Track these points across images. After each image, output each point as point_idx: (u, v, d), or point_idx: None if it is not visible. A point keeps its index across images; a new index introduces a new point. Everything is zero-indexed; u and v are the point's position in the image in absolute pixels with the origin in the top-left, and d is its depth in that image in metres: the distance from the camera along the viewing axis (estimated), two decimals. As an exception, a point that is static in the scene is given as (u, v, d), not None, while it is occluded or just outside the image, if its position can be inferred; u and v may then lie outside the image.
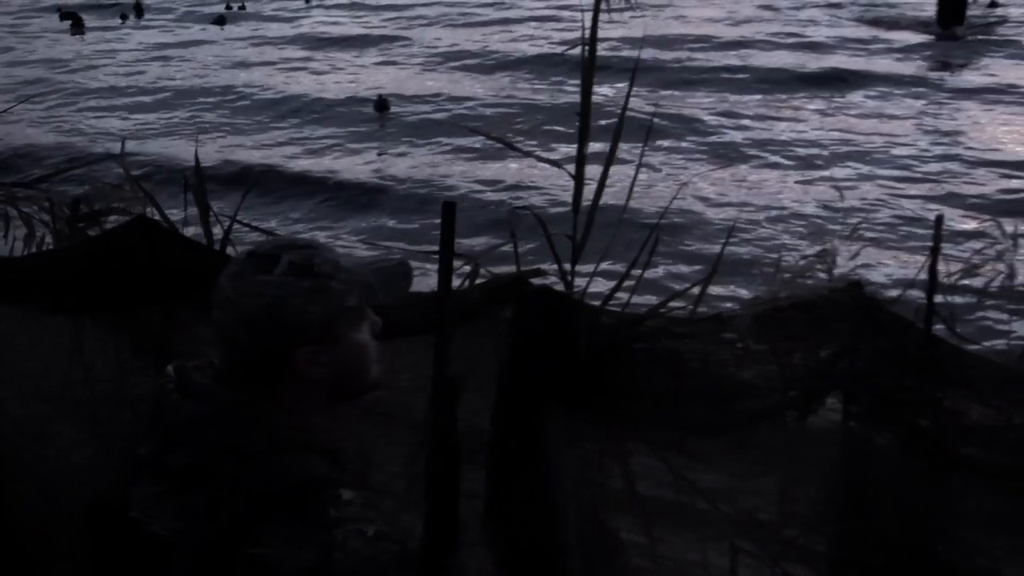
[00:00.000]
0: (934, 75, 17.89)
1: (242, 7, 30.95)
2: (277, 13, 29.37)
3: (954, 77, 17.71)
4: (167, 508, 1.75)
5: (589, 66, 2.86)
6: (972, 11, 22.92)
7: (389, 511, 2.13)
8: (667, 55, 18.74)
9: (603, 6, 2.83)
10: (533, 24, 23.87)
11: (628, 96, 2.95)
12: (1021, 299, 2.84)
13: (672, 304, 2.98)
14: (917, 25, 23.17)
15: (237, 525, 1.68)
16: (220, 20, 27.37)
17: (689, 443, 2.88)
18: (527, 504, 2.88)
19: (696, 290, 3.04)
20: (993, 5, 28.35)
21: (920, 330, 2.51)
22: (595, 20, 2.85)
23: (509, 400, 2.84)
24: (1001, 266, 2.53)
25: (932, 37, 21.56)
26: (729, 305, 2.73)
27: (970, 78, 17.36)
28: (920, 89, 16.57)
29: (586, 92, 2.87)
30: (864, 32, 22.41)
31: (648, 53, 17.37)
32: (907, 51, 20.03)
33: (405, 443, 3.01)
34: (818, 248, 2.75)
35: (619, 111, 2.96)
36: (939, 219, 2.58)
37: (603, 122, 3.34)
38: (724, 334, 2.67)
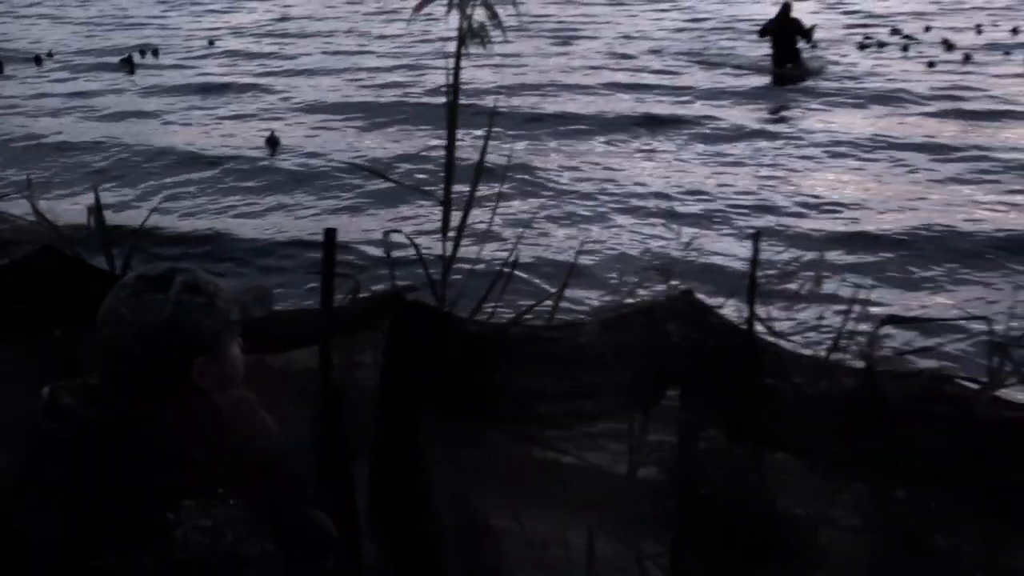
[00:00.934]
0: (767, 116, 17.89)
1: (155, 52, 30.11)
2: (181, 62, 28.73)
3: (785, 119, 17.74)
4: (36, 522, 1.73)
5: (452, 110, 2.85)
6: (804, 54, 23.20)
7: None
8: (524, 100, 18.82)
9: (464, 50, 2.81)
10: (412, 71, 23.72)
11: (487, 140, 2.94)
12: (825, 301, 2.88)
13: (531, 313, 2.98)
14: (754, 68, 23.38)
15: (84, 540, 1.66)
16: (128, 65, 26.06)
17: (548, 435, 2.90)
18: (406, 492, 2.86)
19: (552, 302, 3.05)
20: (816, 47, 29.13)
21: (743, 331, 2.56)
22: (457, 69, 2.83)
23: (388, 402, 2.82)
24: (810, 275, 2.60)
25: (768, 80, 21.72)
26: (581, 314, 2.72)
27: (800, 121, 17.39)
28: (754, 129, 16.61)
29: (451, 133, 2.86)
30: (703, 77, 22.32)
31: (510, 100, 17.48)
32: (743, 95, 19.85)
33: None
34: (656, 264, 2.79)
35: (479, 154, 2.97)
36: (756, 234, 2.65)
37: (468, 160, 3.31)
38: (577, 338, 2.69)
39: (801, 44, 22.35)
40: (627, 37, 31.65)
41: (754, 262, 2.53)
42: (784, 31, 21.69)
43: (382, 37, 29.85)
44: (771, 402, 2.54)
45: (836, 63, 23.82)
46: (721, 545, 2.65)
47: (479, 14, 2.64)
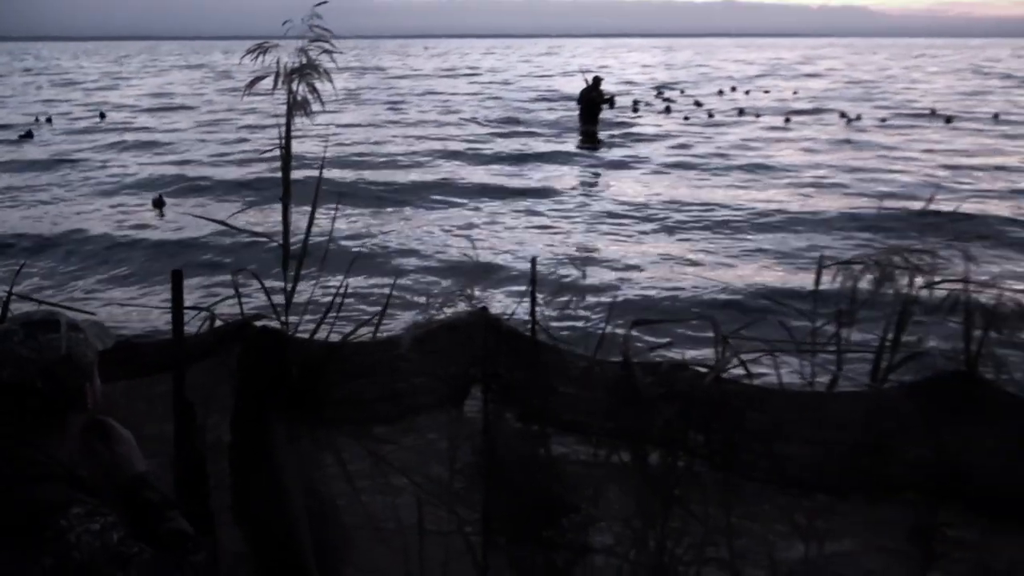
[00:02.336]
0: (577, 173, 17.81)
1: (48, 119, 28.31)
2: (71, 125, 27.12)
3: (590, 173, 17.78)
4: None
5: (286, 167, 2.81)
6: (608, 114, 23.76)
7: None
8: (359, 161, 18.59)
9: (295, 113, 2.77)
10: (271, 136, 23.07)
11: (317, 190, 2.91)
12: (593, 309, 2.97)
13: (359, 332, 2.96)
14: (560, 129, 23.72)
15: None
16: (28, 136, 24.43)
17: (378, 431, 2.89)
18: (262, 489, 2.79)
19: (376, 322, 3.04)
20: (635, 108, 29.81)
21: (527, 336, 2.62)
22: (288, 135, 2.80)
23: (242, 414, 2.75)
24: (575, 287, 2.67)
25: (578, 138, 22.05)
26: (400, 329, 2.72)
27: (604, 177, 17.42)
28: (563, 182, 16.53)
29: (286, 186, 2.82)
30: (514, 140, 22.35)
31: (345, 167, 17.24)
32: (554, 155, 19.78)
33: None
34: (461, 287, 2.82)
35: (311, 206, 2.95)
36: (534, 260, 2.70)
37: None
38: (397, 349, 2.69)
39: (605, 110, 23.18)
40: (448, 108, 31.79)
41: (533, 282, 2.60)
42: (592, 99, 22.38)
43: (250, 110, 29.14)
44: (553, 391, 2.60)
45: (626, 123, 24.72)
46: (520, 505, 2.70)
47: (302, 89, 2.62)
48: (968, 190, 14.84)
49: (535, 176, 17.06)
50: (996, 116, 27.37)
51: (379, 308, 2.95)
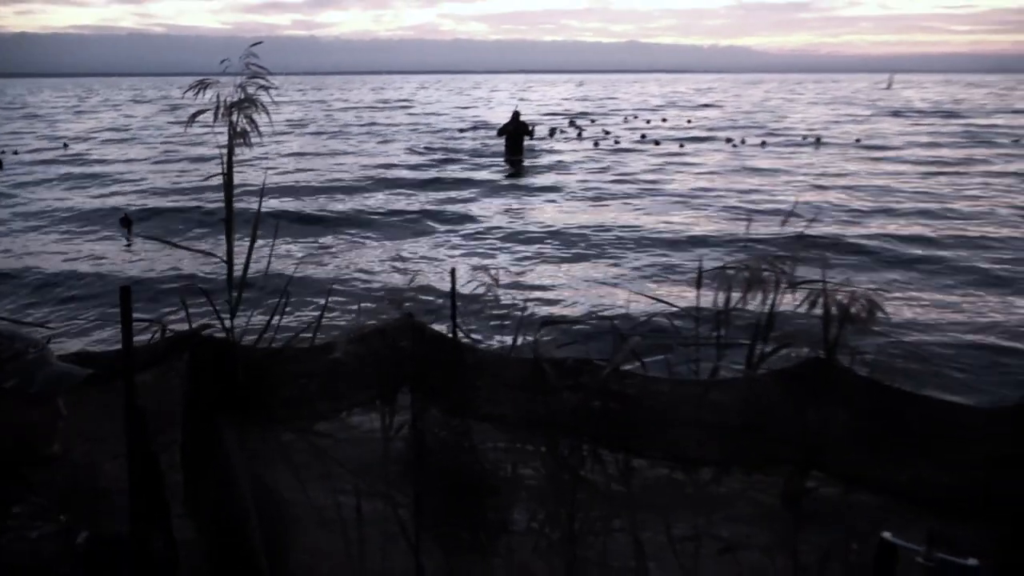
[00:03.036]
0: (501, 202, 17.50)
1: (15, 152, 27.06)
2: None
3: (513, 201, 17.54)
4: None
5: (228, 192, 2.77)
6: (527, 142, 23.67)
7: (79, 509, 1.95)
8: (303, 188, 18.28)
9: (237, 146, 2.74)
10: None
11: (258, 214, 2.88)
12: (507, 316, 3.00)
13: (298, 339, 2.94)
14: (487, 157, 23.58)
15: None
16: None
17: (319, 427, 2.86)
18: (211, 483, 2.75)
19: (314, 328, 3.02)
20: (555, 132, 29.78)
21: (450, 339, 2.64)
22: (230, 162, 2.77)
23: (191, 415, 2.70)
24: (492, 297, 2.69)
25: (503, 167, 21.91)
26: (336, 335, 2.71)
27: (524, 201, 17.27)
28: (487, 206, 16.42)
29: (229, 210, 2.78)
30: (444, 168, 22.10)
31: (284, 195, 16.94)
32: (478, 183, 19.63)
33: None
34: (390, 298, 2.82)
35: (252, 227, 2.91)
36: (453, 271, 2.72)
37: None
38: (333, 353, 2.68)
39: (527, 140, 23.12)
40: (384, 137, 31.49)
41: (453, 291, 2.62)
42: (515, 131, 22.30)
43: (200, 142, 28.40)
44: (473, 386, 2.63)
45: (544, 150, 24.78)
46: (447, 489, 2.71)
47: (242, 121, 2.60)
48: (829, 205, 15.37)
49: (462, 201, 17.03)
50: (858, 140, 28.48)
51: (316, 317, 2.93)
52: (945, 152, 25.36)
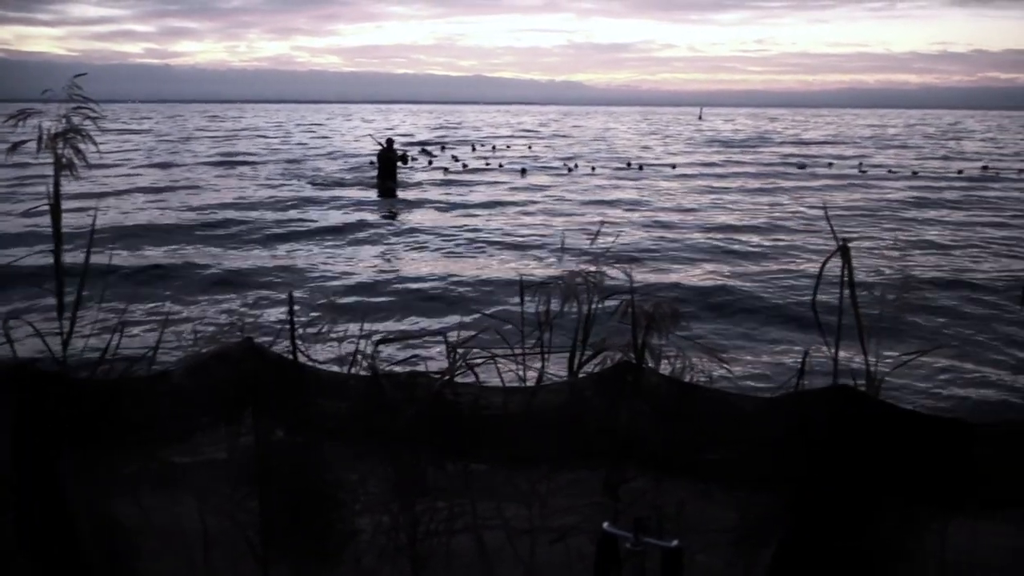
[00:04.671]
0: (374, 219, 17.17)
1: None
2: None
3: (389, 222, 17.14)
4: None
5: (55, 218, 2.54)
6: (403, 170, 22.98)
7: None
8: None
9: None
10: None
11: (90, 241, 2.65)
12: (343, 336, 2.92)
13: (138, 365, 2.73)
14: (366, 185, 22.70)
15: None
16: None
17: (163, 453, 2.67)
18: (50, 518, 2.49)
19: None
20: (426, 154, 29.10)
21: (291, 360, 2.54)
22: (56, 188, 2.54)
23: (28, 448, 2.45)
24: (330, 318, 2.61)
25: (376, 194, 21.11)
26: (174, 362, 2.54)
27: (401, 220, 16.93)
28: (364, 232, 15.95)
29: (57, 240, 2.55)
30: (322, 194, 21.18)
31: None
32: (354, 206, 18.93)
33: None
34: (231, 323, 2.68)
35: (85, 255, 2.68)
36: (290, 294, 2.62)
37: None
38: (172, 380, 2.51)
39: (400, 167, 22.51)
40: (243, 162, 30.12)
41: (291, 313, 2.52)
42: (388, 159, 21.68)
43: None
44: (315, 403, 2.54)
45: (406, 179, 24.28)
46: (292, 503, 2.60)
47: (67, 152, 2.39)
48: (644, 220, 16.17)
49: (317, 227, 16.26)
50: (674, 166, 30.20)
51: (154, 343, 2.74)
52: (748, 168, 27.37)
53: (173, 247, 13.71)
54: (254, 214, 17.93)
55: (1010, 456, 2.34)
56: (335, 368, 2.58)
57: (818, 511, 2.40)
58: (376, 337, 2.65)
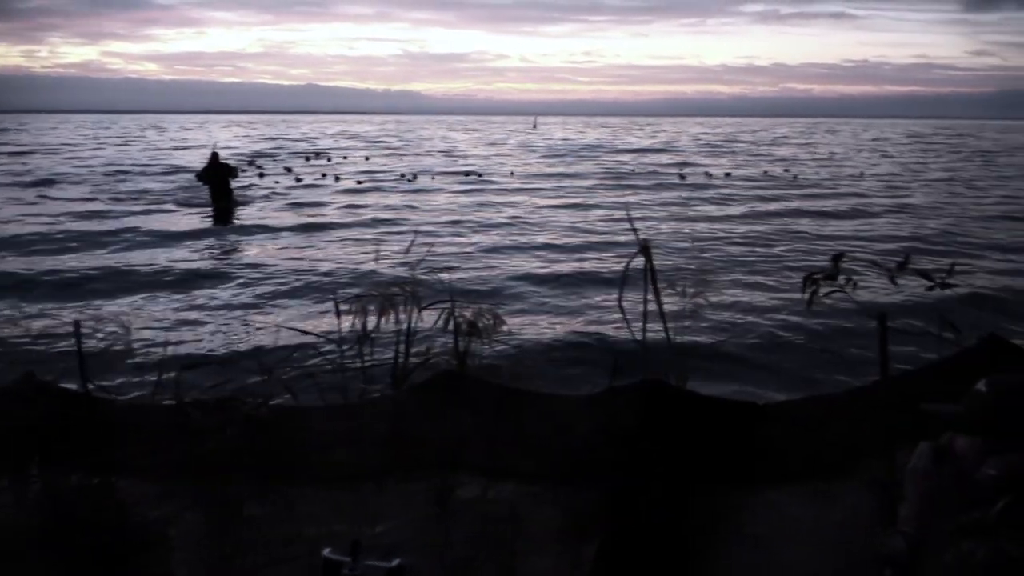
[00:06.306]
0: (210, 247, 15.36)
1: None
2: None
3: (227, 249, 15.64)
4: None
5: None
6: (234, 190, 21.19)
7: None
8: None
9: None
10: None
11: None
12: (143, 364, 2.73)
13: None
14: (197, 205, 20.81)
15: None
16: None
17: None
18: None
19: None
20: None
21: (82, 395, 2.33)
22: None
23: None
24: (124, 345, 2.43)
25: (210, 213, 19.27)
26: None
27: (237, 246, 15.32)
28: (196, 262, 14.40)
29: None
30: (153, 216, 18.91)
31: None
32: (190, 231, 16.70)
33: None
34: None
35: None
36: (77, 323, 2.40)
37: None
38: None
39: (232, 183, 20.80)
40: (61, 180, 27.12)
41: (79, 344, 2.32)
42: (217, 174, 19.94)
43: None
44: (114, 440, 2.34)
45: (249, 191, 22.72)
46: (93, 554, 2.37)
47: None
48: (476, 230, 16.32)
49: (126, 245, 14.56)
50: (512, 173, 30.91)
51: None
52: (580, 175, 28.49)
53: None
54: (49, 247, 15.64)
55: (797, 433, 2.57)
56: (135, 398, 2.39)
57: (636, 502, 2.51)
58: (181, 362, 2.48)
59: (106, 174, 29.59)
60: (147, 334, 6.71)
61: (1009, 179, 30.26)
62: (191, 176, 22.68)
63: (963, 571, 1.25)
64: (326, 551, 1.23)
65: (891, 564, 1.40)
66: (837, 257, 2.54)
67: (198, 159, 23.34)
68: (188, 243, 14.84)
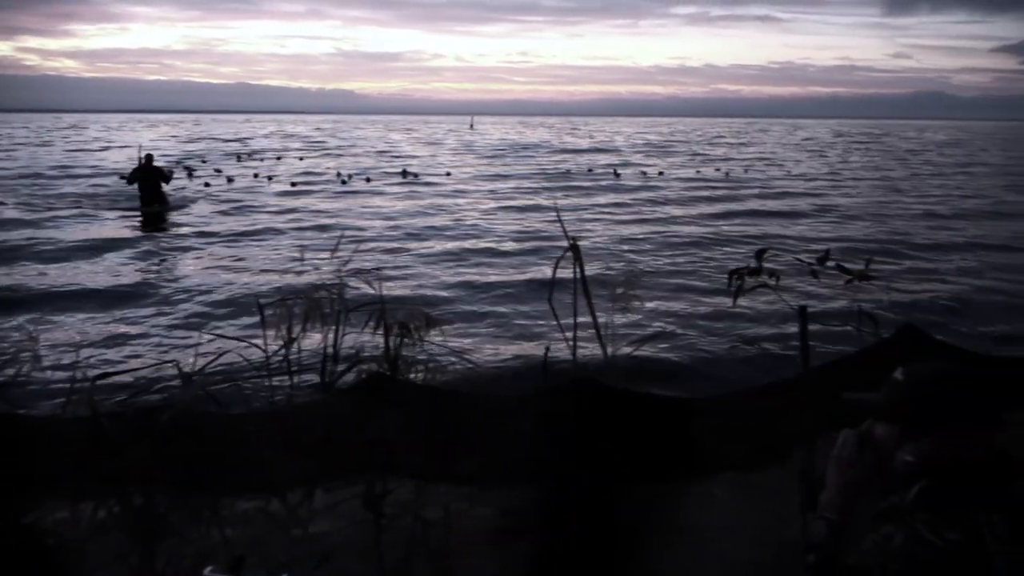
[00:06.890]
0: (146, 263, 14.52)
1: None
2: None
3: (156, 243, 14.60)
4: None
5: None
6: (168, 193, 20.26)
7: None
8: None
9: None
10: None
11: None
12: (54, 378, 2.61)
13: None
14: (126, 209, 19.77)
15: None
16: None
17: None
18: None
19: None
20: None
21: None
22: None
23: None
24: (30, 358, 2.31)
25: (139, 217, 18.36)
26: None
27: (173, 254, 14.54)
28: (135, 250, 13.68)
29: None
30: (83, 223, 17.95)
31: None
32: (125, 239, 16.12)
33: None
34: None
35: None
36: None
37: None
38: None
39: (164, 186, 19.86)
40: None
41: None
42: (149, 177, 19.04)
43: None
44: (21, 458, 2.22)
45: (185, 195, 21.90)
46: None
47: None
48: (409, 231, 16.19)
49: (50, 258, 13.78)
50: (448, 173, 30.81)
51: None
52: (512, 182, 28.57)
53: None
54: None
55: (728, 426, 2.62)
56: (46, 413, 2.28)
57: (570, 500, 2.52)
58: (94, 374, 2.37)
59: (22, 176, 28.20)
60: (59, 348, 6.40)
61: (928, 177, 31.79)
62: (116, 179, 21.57)
63: (882, 555, 1.28)
64: (207, 569, 1.19)
65: (814, 550, 1.42)
66: (760, 253, 2.60)
67: (124, 160, 22.34)
68: (111, 251, 14.19)
